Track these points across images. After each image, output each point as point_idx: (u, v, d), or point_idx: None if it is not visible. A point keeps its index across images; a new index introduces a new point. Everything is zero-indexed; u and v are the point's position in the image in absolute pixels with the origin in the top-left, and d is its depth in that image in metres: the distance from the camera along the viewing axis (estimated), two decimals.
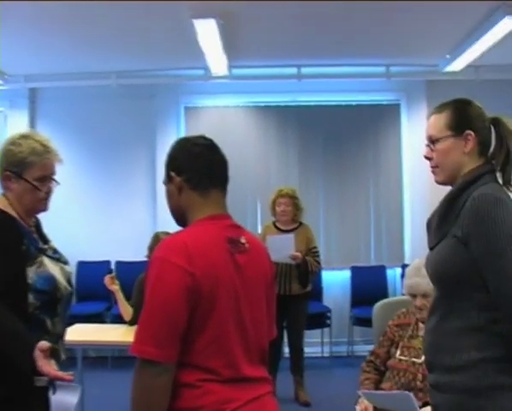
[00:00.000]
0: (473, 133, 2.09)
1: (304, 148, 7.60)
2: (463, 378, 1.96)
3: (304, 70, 7.16)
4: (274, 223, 5.77)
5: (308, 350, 6.86)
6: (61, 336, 2.51)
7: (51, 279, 2.41)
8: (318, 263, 5.67)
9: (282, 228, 5.70)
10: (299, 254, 5.43)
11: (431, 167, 2.19)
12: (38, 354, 2.09)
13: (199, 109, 7.72)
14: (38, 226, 2.61)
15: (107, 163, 7.68)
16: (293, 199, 5.69)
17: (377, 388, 3.27)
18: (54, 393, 2.53)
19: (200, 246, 1.85)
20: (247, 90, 7.53)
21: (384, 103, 7.53)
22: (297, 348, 5.73)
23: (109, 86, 7.22)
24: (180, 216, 2.03)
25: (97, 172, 7.69)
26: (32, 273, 2.35)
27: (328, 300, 7.30)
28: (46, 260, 2.44)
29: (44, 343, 2.12)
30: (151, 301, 1.79)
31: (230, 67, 6.93)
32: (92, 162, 7.69)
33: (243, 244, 1.97)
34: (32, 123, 7.73)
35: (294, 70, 7.16)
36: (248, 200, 7.54)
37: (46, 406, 2.54)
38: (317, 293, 7.14)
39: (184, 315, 1.77)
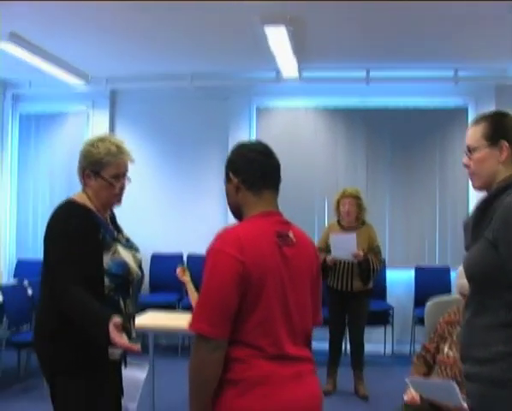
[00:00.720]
0: (507, 143, 2.24)
1: (371, 150, 7.75)
2: (490, 369, 2.12)
3: (372, 73, 7.32)
4: (338, 222, 5.95)
5: (371, 348, 7.04)
6: (132, 316, 2.81)
7: (124, 265, 2.71)
8: (380, 261, 5.80)
9: (345, 226, 5.86)
10: (360, 253, 5.58)
11: (469, 174, 2.36)
12: (111, 327, 2.38)
13: (270, 110, 7.99)
14: (112, 218, 2.93)
15: (182, 161, 8.05)
16: (357, 199, 5.84)
17: None
18: (126, 367, 2.85)
19: (251, 238, 2.10)
20: (316, 92, 7.74)
21: (452, 106, 7.55)
22: (358, 343, 5.88)
23: (184, 88, 7.61)
24: (237, 211, 2.30)
25: (172, 170, 8.09)
26: (107, 259, 2.66)
27: (391, 298, 7.41)
28: (120, 248, 2.74)
29: (117, 319, 2.40)
30: (207, 286, 2.06)
31: (300, 69, 7.17)
32: (168, 160, 8.10)
33: (291, 238, 2.21)
34: (113, 122, 8.21)
35: (362, 73, 7.33)
36: (316, 199, 7.77)
37: (119, 378, 2.86)
38: (381, 291, 7.28)
39: (235, 298, 2.02)
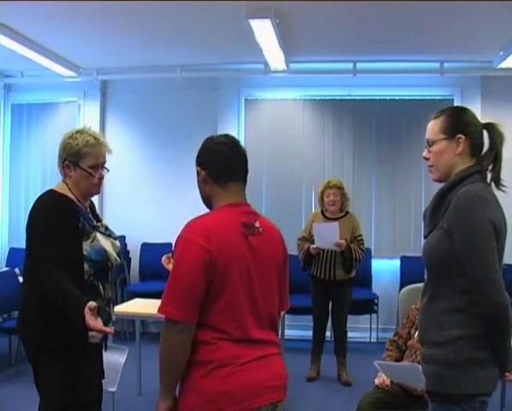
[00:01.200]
0: (463, 136, 2.36)
1: (358, 140, 7.85)
2: (444, 351, 2.24)
3: (359, 65, 7.39)
4: (322, 212, 6.07)
5: (356, 335, 7.20)
6: (111, 300, 2.94)
7: (103, 251, 2.84)
8: (363, 251, 5.91)
9: (329, 216, 5.98)
10: (343, 242, 5.70)
11: (428, 166, 2.48)
12: (86, 311, 2.50)
13: (258, 101, 8.08)
14: (92, 207, 3.05)
15: (171, 151, 8.12)
16: (341, 189, 5.97)
17: None
18: (105, 350, 2.98)
19: (218, 228, 2.22)
20: (304, 84, 7.83)
21: (438, 98, 7.60)
22: (341, 330, 6.02)
23: (174, 79, 7.67)
24: (207, 202, 2.43)
25: (162, 159, 8.17)
26: (87, 246, 2.79)
27: (377, 287, 7.54)
28: (99, 235, 2.88)
29: (91, 303, 2.53)
30: (175, 272, 2.19)
31: (288, 62, 7.24)
32: (157, 150, 8.19)
33: (257, 228, 2.32)
34: (103, 112, 8.32)
35: (349, 65, 7.40)
36: (304, 188, 7.89)
37: (100, 361, 2.99)
38: (366, 280, 7.43)
39: (202, 284, 2.15)
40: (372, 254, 7.64)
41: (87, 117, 8.17)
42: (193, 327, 2.16)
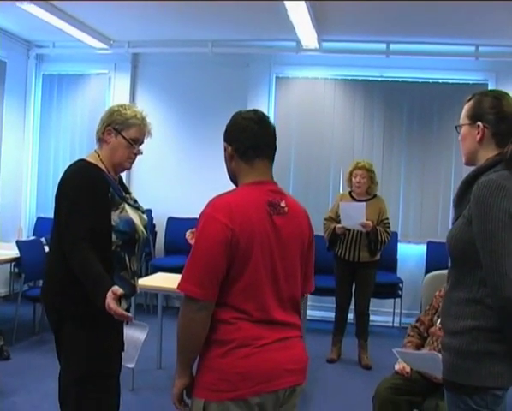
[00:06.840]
0: (481, 124, 2.28)
1: (389, 123, 7.77)
2: (458, 341, 2.19)
3: (393, 46, 7.31)
4: (350, 193, 6.02)
5: (379, 319, 7.17)
6: (136, 273, 2.95)
7: (131, 223, 2.85)
8: (389, 234, 5.84)
9: (357, 198, 5.92)
10: (369, 223, 5.65)
11: None
12: (109, 294, 2.50)
13: (289, 79, 8.02)
14: (120, 180, 3.06)
15: (200, 127, 8.10)
16: (369, 172, 5.89)
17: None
18: (127, 324, 2.97)
19: (242, 206, 2.18)
20: (336, 63, 7.74)
21: (472, 82, 7.44)
22: (363, 313, 5.97)
23: (205, 54, 7.67)
24: (233, 178, 2.39)
25: (190, 135, 8.18)
26: (115, 217, 2.80)
27: (402, 272, 7.48)
28: (127, 207, 2.89)
29: (117, 288, 2.52)
30: (196, 249, 2.15)
31: (320, 40, 7.17)
32: (187, 125, 8.20)
33: (282, 207, 2.27)
34: (134, 85, 8.34)
35: (382, 46, 7.33)
36: (332, 169, 7.85)
37: (121, 335, 2.98)
38: (391, 264, 7.38)
39: (223, 262, 2.11)
40: (399, 238, 7.58)
41: (118, 90, 8.22)
42: (213, 305, 2.13)
